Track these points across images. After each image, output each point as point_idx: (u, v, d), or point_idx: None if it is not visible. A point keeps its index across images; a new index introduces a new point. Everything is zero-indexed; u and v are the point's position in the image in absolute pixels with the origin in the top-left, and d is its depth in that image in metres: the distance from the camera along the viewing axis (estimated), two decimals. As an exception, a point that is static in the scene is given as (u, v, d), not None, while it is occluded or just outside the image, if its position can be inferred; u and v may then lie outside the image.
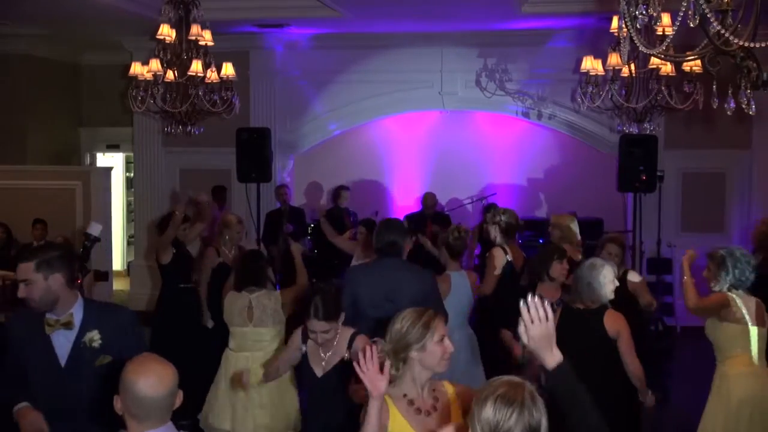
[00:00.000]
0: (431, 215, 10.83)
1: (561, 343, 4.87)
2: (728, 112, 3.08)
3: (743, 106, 2.92)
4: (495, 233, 6.51)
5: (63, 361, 3.73)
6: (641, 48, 2.86)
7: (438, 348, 3.26)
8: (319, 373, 4.38)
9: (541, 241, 10.97)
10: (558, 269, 5.71)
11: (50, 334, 3.73)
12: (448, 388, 3.34)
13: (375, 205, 12.05)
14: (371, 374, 3.03)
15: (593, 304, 5.00)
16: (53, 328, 3.72)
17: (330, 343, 4.35)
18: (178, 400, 2.85)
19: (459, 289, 6.06)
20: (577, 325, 4.88)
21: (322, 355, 4.39)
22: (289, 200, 11.20)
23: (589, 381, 4.93)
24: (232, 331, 5.87)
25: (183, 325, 7.18)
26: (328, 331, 4.27)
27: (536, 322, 2.73)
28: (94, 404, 3.58)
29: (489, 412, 2.42)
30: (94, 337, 3.73)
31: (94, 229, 6.08)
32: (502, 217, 6.53)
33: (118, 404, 2.80)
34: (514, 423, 2.39)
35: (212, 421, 5.87)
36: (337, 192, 11.31)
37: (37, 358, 3.74)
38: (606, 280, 5.02)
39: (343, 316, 4.37)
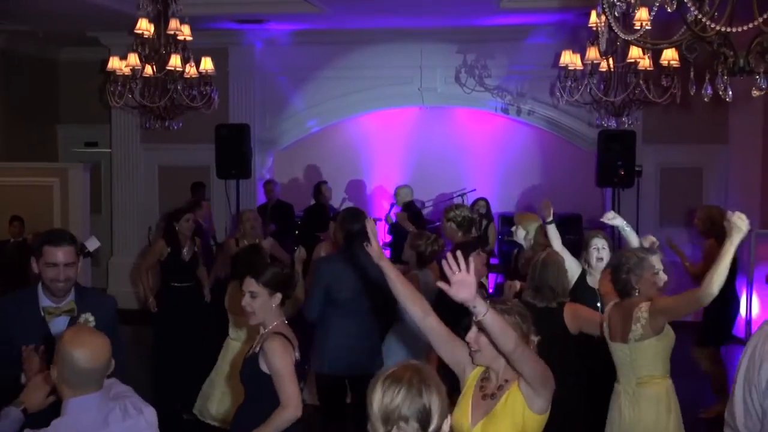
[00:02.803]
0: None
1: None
2: (705, 99, 3.11)
3: (720, 92, 2.95)
4: (451, 229, 6.23)
5: None
6: (619, 34, 2.88)
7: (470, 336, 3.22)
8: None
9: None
10: (478, 262, 5.39)
11: (49, 321, 3.78)
12: (513, 387, 3.23)
13: (354, 203, 12.04)
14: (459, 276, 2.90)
15: (564, 297, 5.01)
16: (53, 315, 3.79)
17: (253, 322, 4.11)
18: (110, 368, 2.98)
19: (428, 287, 5.94)
20: (543, 323, 4.89)
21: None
22: (277, 196, 11.14)
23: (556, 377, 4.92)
24: (232, 320, 5.92)
25: (180, 323, 7.34)
26: (255, 296, 4.02)
27: (459, 275, 2.85)
28: None
29: (378, 394, 2.41)
30: (89, 318, 3.82)
31: (91, 244, 6.06)
32: (456, 212, 6.35)
33: (54, 373, 2.91)
34: (401, 402, 2.37)
35: (209, 406, 5.95)
36: (318, 188, 11.24)
37: (33, 343, 3.75)
38: (566, 274, 5.07)
39: (278, 298, 4.06)
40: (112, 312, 4.02)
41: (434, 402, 2.40)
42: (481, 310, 2.90)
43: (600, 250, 5.78)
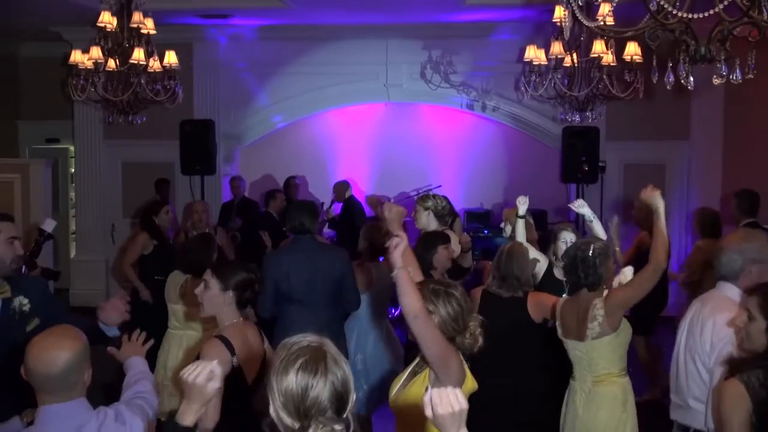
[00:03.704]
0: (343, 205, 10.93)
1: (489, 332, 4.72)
2: (668, 87, 3.15)
3: (682, 80, 2.98)
4: (427, 219, 6.16)
5: None
6: (584, 21, 2.91)
7: None
8: None
9: (486, 231, 11.09)
10: (444, 255, 5.55)
11: None
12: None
13: (321, 199, 12.02)
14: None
15: (528, 287, 5.05)
16: None
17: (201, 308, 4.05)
18: (87, 377, 2.82)
19: (381, 279, 5.88)
20: (509, 312, 4.91)
21: None
22: (243, 192, 11.08)
23: (516, 367, 4.91)
24: (169, 309, 5.90)
25: (159, 317, 7.19)
26: (207, 286, 3.97)
27: (445, 407, 2.18)
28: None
29: (291, 382, 2.28)
30: (23, 301, 3.78)
31: (48, 225, 6.00)
32: (436, 201, 6.22)
33: (24, 375, 2.79)
34: (321, 389, 2.27)
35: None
36: (287, 183, 11.20)
37: None
38: (530, 264, 5.13)
39: (229, 296, 3.98)
40: (45, 290, 4.03)
41: (347, 382, 2.33)
42: (396, 265, 3.07)
43: (568, 243, 5.81)
